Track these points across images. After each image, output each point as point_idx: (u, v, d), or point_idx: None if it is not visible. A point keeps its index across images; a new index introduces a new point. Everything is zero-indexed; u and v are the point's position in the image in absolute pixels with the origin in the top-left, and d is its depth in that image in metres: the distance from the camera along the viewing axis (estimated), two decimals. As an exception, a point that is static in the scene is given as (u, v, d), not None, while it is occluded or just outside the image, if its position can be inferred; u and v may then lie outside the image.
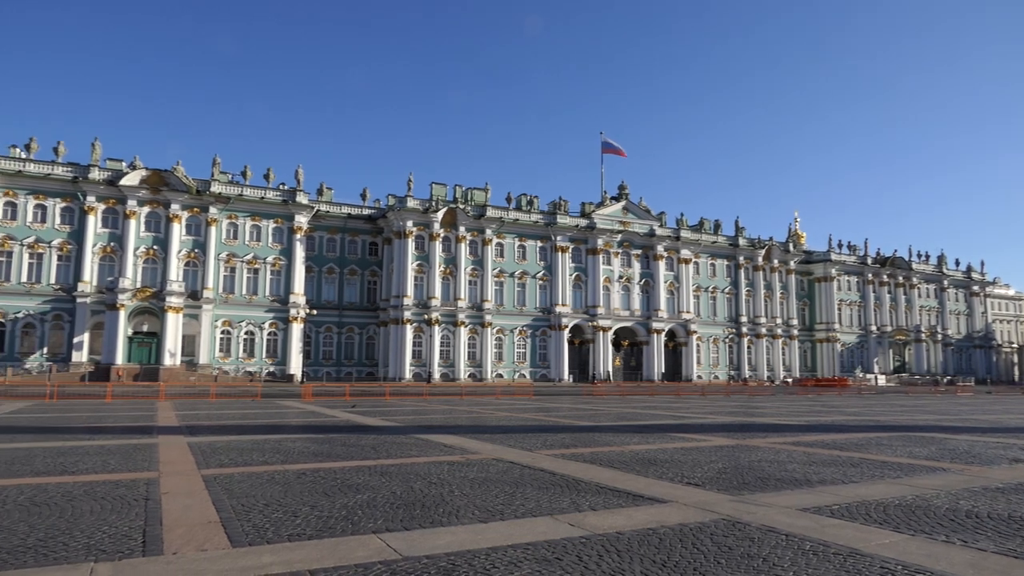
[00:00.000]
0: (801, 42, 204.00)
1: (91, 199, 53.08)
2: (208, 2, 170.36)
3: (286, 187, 60.27)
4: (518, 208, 68.44)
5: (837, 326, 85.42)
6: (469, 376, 63.05)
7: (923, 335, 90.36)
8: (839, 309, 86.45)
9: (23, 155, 52.72)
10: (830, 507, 6.67)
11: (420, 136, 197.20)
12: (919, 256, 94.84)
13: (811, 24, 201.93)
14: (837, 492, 7.52)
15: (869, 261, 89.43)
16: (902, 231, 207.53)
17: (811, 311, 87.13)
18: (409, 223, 62.04)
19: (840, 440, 14.01)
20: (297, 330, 58.72)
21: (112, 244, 53.67)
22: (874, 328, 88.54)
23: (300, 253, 59.91)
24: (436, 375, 61.12)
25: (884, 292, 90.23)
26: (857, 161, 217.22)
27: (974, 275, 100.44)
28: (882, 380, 79.46)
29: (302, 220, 59.95)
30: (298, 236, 59.72)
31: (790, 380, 77.57)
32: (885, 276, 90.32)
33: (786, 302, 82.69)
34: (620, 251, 71.72)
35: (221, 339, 56.78)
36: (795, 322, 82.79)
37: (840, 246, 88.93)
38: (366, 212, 66.46)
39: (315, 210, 61.45)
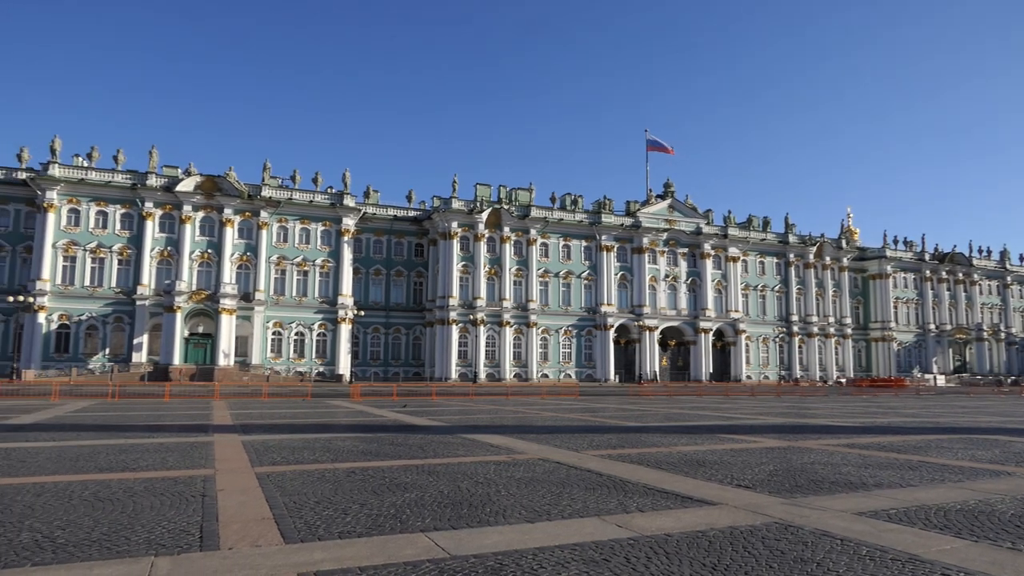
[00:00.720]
0: (852, 41, 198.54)
1: (149, 205, 54.94)
2: (256, 3, 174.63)
3: (334, 190, 61.38)
4: (562, 208, 68.29)
5: (893, 325, 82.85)
6: (515, 376, 63.18)
7: (985, 333, 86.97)
8: (895, 307, 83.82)
9: (85, 163, 54.92)
10: (887, 511, 6.48)
11: (464, 138, 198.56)
12: (980, 252, 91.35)
13: (861, 23, 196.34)
14: (894, 496, 7.31)
15: (927, 257, 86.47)
16: (961, 226, 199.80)
17: (865, 309, 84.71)
18: (454, 224, 62.49)
19: (897, 442, 13.60)
20: (345, 331, 59.74)
21: (169, 248, 55.46)
22: (932, 326, 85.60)
23: (348, 255, 60.93)
24: (482, 375, 61.42)
25: (943, 289, 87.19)
26: (912, 155, 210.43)
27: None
28: (941, 380, 76.70)
29: (349, 223, 60.95)
30: (346, 238, 60.74)
31: (844, 380, 75.48)
32: (944, 273, 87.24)
33: (839, 300, 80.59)
34: (666, 250, 70.92)
35: (272, 340, 58.13)
36: (848, 321, 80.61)
37: (895, 242, 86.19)
38: (412, 214, 67.20)
39: (362, 212, 62.39)
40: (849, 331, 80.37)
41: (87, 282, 53.58)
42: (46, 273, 51.86)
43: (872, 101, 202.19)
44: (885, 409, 27.65)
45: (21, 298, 50.26)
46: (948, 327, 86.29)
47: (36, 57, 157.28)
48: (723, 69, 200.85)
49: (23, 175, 53.59)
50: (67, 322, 52.76)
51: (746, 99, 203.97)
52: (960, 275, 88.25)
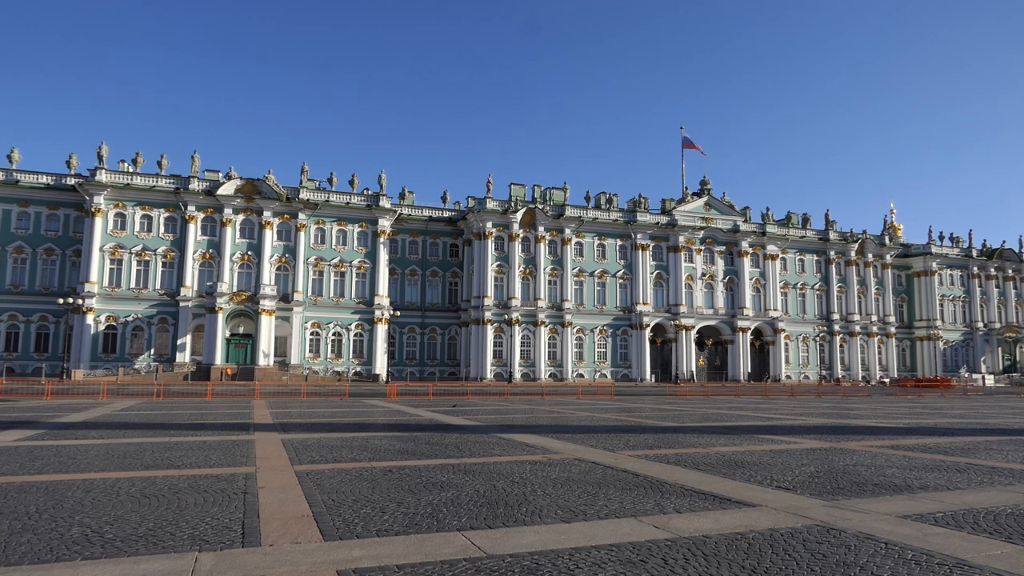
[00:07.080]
0: (895, 41, 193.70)
1: (191, 209, 56.24)
2: (295, 5, 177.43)
3: (370, 192, 62.04)
4: (597, 207, 67.97)
5: (939, 323, 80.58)
6: (550, 376, 63.09)
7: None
8: (941, 305, 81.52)
9: (131, 169, 56.45)
10: (933, 515, 6.32)
11: (499, 138, 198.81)
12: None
13: (905, 23, 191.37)
14: (941, 499, 7.12)
15: (974, 253, 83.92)
16: (1012, 222, 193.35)
17: (910, 307, 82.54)
18: (489, 224, 62.65)
19: (944, 444, 13.25)
20: (382, 331, 60.34)
21: (210, 251, 56.69)
22: (980, 325, 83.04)
23: (384, 256, 61.54)
24: (517, 375, 61.46)
25: (991, 286, 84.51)
26: (960, 150, 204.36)
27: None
28: (990, 380, 74.34)
29: (385, 224, 61.54)
30: (382, 239, 61.34)
31: (887, 380, 73.73)
32: (992, 269, 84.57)
33: (882, 298, 78.67)
34: (702, 248, 70.08)
35: (311, 340, 58.98)
36: (892, 319, 78.62)
37: (941, 238, 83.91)
38: (446, 214, 67.55)
39: (397, 214, 62.93)
40: (893, 330, 78.41)
41: (133, 284, 55.05)
42: (94, 276, 53.43)
43: (917, 97, 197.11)
44: (931, 410, 26.94)
45: (70, 300, 51.86)
46: (997, 325, 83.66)
47: (80, 59, 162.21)
48: (762, 68, 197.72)
49: (72, 180, 55.38)
50: (114, 323, 54.28)
51: (784, 97, 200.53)
52: (1010, 271, 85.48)
